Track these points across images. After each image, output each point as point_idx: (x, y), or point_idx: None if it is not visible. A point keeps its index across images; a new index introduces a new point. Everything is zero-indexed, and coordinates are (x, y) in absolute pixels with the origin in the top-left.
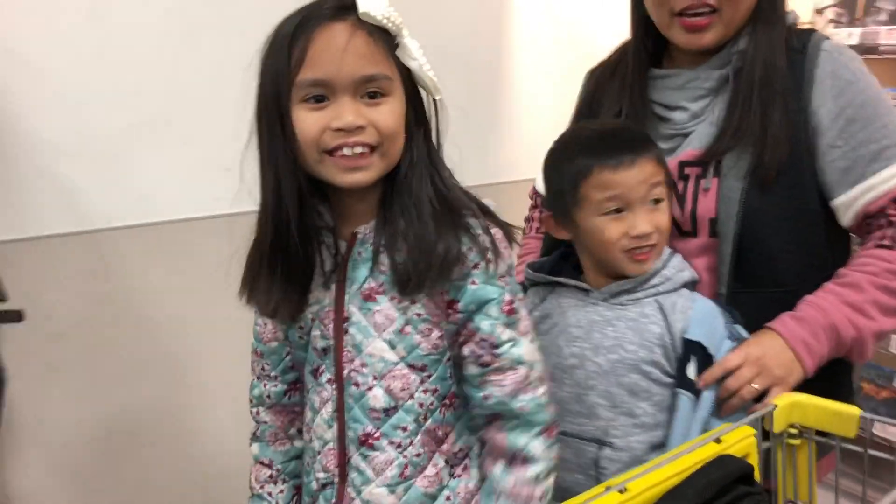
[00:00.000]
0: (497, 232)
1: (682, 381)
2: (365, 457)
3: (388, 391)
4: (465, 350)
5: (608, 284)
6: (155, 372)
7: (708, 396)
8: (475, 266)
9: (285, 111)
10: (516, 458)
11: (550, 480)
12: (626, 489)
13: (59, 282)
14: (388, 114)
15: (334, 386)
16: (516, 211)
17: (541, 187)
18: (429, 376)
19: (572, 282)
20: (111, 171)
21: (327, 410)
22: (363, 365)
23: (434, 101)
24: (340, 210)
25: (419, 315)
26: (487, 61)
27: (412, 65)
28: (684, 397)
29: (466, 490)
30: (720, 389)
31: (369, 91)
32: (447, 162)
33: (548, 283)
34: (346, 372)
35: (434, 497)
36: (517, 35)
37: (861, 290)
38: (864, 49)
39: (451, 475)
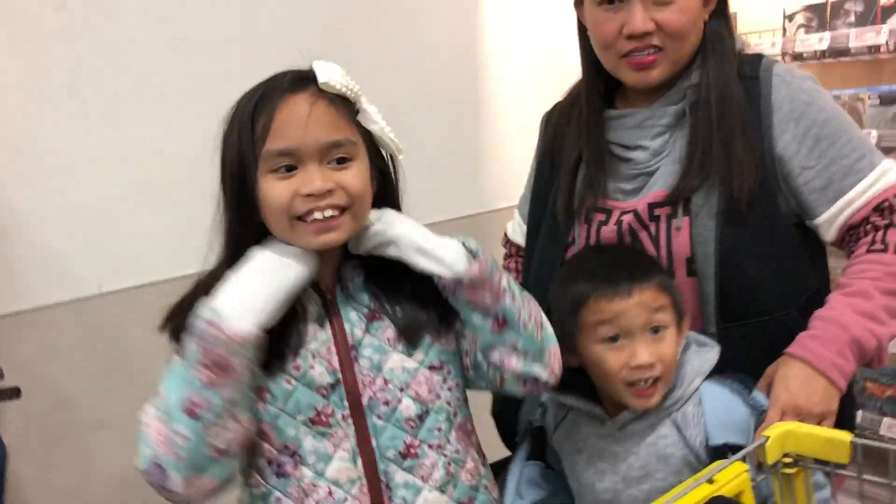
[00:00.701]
0: None
1: None
2: (410, 468)
3: (417, 398)
4: (460, 339)
5: (623, 412)
6: None
7: None
8: None
9: (252, 182)
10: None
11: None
12: None
13: (56, 352)
14: (355, 177)
15: (350, 421)
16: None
17: (513, 235)
18: (449, 372)
19: (587, 408)
20: (99, 237)
21: (346, 449)
22: (386, 382)
23: (392, 160)
24: None
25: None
26: (467, 94)
27: (373, 128)
28: None
29: (491, 479)
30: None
31: (335, 157)
32: (435, 195)
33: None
34: (365, 399)
35: (476, 489)
36: (495, 65)
37: (870, 298)
38: (835, 52)
39: (483, 465)
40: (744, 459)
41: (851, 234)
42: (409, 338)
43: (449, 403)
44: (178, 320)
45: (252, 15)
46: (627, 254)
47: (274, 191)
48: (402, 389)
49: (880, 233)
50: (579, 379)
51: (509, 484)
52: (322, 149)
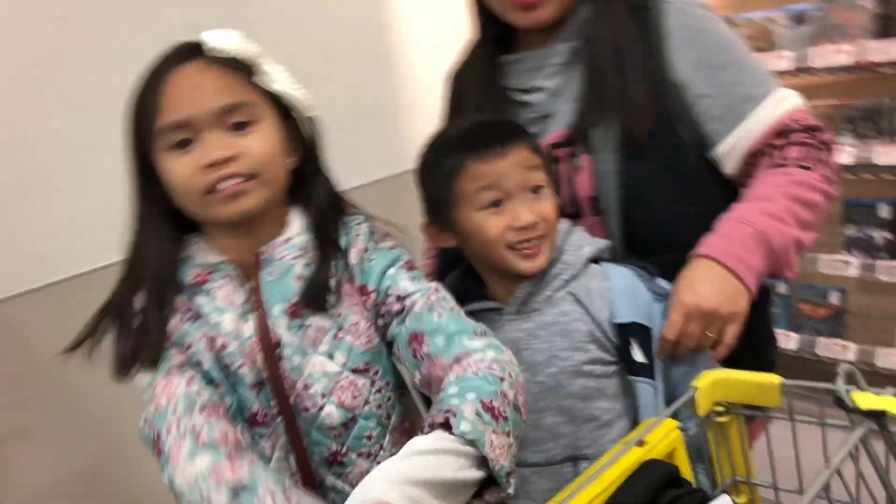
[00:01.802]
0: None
1: (632, 368)
2: (339, 475)
3: (342, 404)
4: (380, 319)
5: (514, 293)
6: (84, 440)
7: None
8: (366, 249)
9: (154, 163)
10: (460, 361)
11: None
12: None
13: None
14: (259, 140)
15: (280, 418)
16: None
17: None
18: (376, 373)
19: (480, 305)
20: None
21: (281, 447)
22: (306, 387)
23: (311, 121)
24: (228, 244)
25: (340, 314)
26: (375, 51)
27: (275, 88)
28: (642, 385)
29: None
30: (676, 352)
31: (235, 122)
32: (347, 160)
33: None
34: (292, 399)
35: None
36: (402, 22)
37: (774, 201)
38: None
39: None
40: (674, 415)
41: (751, 163)
42: (311, 303)
43: (380, 407)
44: (127, 349)
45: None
46: (492, 120)
47: (176, 169)
48: (323, 395)
49: (780, 151)
50: (471, 289)
51: None
52: (217, 115)
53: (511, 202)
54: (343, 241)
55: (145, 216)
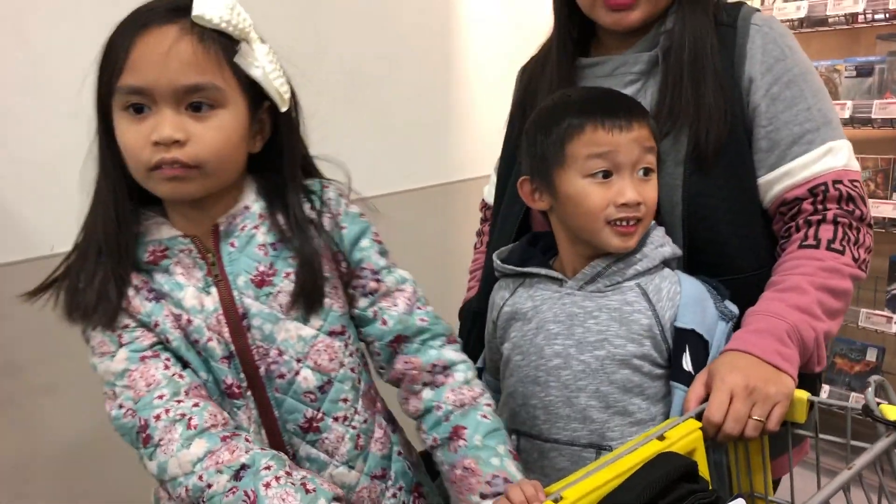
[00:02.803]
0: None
1: (677, 373)
2: (314, 442)
3: (317, 367)
4: (351, 290)
5: (583, 269)
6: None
7: None
8: (338, 213)
9: (110, 119)
10: (437, 373)
11: (479, 379)
12: (561, 497)
13: (5, 313)
14: (213, 130)
15: (249, 392)
16: (471, 208)
17: (488, 197)
18: (349, 337)
19: (544, 271)
20: (50, 196)
21: (252, 419)
22: (280, 353)
23: (290, 113)
24: (182, 216)
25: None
26: (437, 61)
27: (255, 73)
28: (680, 391)
29: (404, 442)
30: (720, 437)
31: (193, 102)
32: (404, 163)
33: (517, 275)
34: (262, 369)
35: (388, 457)
36: (465, 32)
37: (804, 293)
38: (813, 21)
39: (394, 431)
40: (698, 417)
41: (782, 213)
42: (309, 304)
43: (353, 370)
44: (75, 301)
45: None
46: (619, 94)
47: (126, 134)
48: (299, 360)
49: (812, 228)
50: (535, 254)
51: None
52: (178, 91)
53: (619, 177)
54: (316, 205)
55: (104, 177)
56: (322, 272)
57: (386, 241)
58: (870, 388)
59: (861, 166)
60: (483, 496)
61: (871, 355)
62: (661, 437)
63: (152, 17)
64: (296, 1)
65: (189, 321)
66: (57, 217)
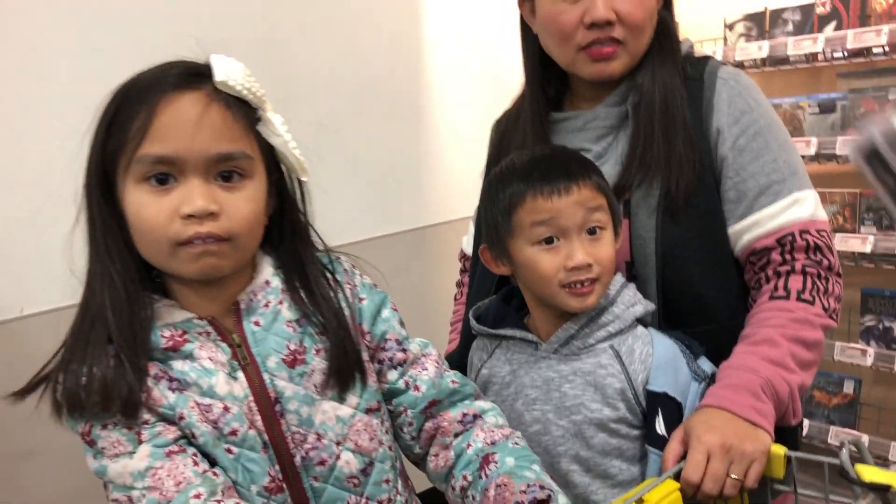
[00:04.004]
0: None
1: (651, 437)
2: None
3: (358, 449)
4: (377, 363)
5: (556, 332)
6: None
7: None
8: (355, 285)
9: (117, 191)
10: (468, 422)
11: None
12: None
13: None
14: (244, 200)
15: (284, 485)
16: (453, 251)
17: (468, 249)
18: (384, 413)
19: (519, 334)
20: (17, 257)
21: None
22: (319, 437)
23: (298, 180)
24: (193, 298)
25: None
26: (408, 105)
27: (276, 141)
28: (655, 457)
29: None
30: (699, 496)
31: (224, 171)
32: (377, 209)
33: (494, 335)
34: (297, 458)
35: None
36: (437, 74)
37: (776, 345)
38: (775, 61)
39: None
40: (676, 476)
41: (752, 262)
42: (343, 381)
43: (390, 448)
44: (79, 397)
45: (175, 15)
46: (563, 154)
47: (148, 208)
48: (338, 443)
49: (782, 279)
50: (509, 313)
51: None
52: (210, 161)
53: (566, 241)
54: (338, 277)
55: (107, 257)
56: (354, 345)
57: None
58: (843, 450)
59: (828, 201)
60: None
61: (848, 387)
62: (639, 501)
63: (170, 81)
64: (265, 51)
65: (226, 409)
66: (25, 278)
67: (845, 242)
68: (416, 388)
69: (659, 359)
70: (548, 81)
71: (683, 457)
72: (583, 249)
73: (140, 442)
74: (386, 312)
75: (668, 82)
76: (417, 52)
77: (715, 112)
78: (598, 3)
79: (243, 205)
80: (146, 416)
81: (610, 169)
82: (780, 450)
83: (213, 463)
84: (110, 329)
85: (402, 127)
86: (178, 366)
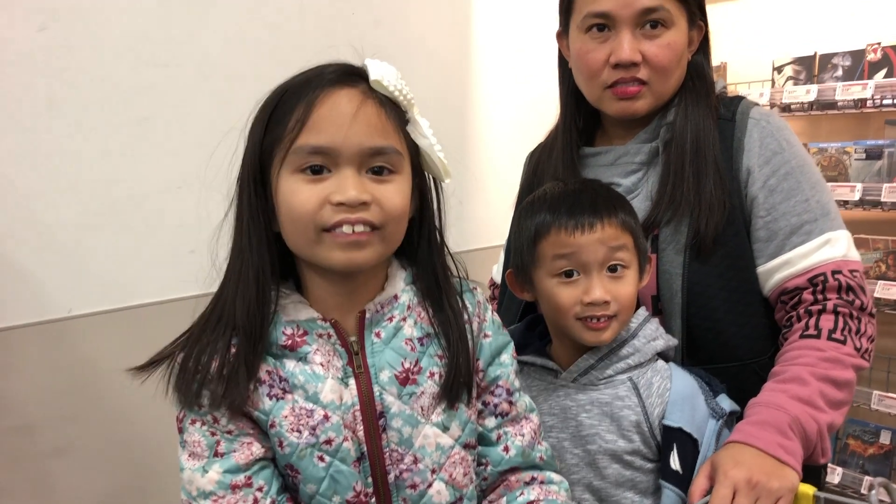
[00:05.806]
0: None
1: (665, 472)
2: None
3: (452, 481)
4: (479, 403)
5: (576, 361)
6: (127, 460)
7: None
8: (484, 320)
9: (269, 182)
10: (534, 483)
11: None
12: None
13: (21, 374)
14: (396, 193)
15: (373, 500)
16: (484, 277)
17: (497, 277)
18: (476, 452)
19: (540, 361)
20: (70, 259)
21: None
22: (416, 461)
23: (435, 184)
24: (325, 296)
25: None
26: (453, 128)
27: (423, 143)
28: (669, 492)
29: None
30: None
31: (376, 166)
32: None
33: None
34: (391, 477)
35: None
36: (479, 107)
37: (805, 384)
38: (823, 105)
39: None
40: None
41: (783, 302)
42: (450, 405)
43: (477, 487)
44: (193, 383)
45: (238, 38)
46: (592, 189)
47: (300, 194)
48: (433, 471)
49: (813, 318)
50: (532, 340)
51: None
52: (363, 154)
53: (586, 276)
54: (470, 306)
55: (248, 243)
56: (471, 375)
57: None
58: (873, 492)
59: (872, 248)
60: None
61: (885, 438)
62: None
63: (328, 78)
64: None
65: (326, 417)
66: (75, 280)
67: (888, 290)
68: (506, 448)
69: (676, 394)
70: (581, 116)
71: (709, 491)
72: (601, 286)
73: (216, 454)
74: (505, 357)
75: (700, 122)
76: (462, 83)
77: (746, 152)
78: (625, 45)
79: (394, 195)
80: (237, 422)
81: (639, 203)
82: (809, 490)
83: (285, 487)
84: (237, 323)
85: (448, 150)
86: (290, 366)
